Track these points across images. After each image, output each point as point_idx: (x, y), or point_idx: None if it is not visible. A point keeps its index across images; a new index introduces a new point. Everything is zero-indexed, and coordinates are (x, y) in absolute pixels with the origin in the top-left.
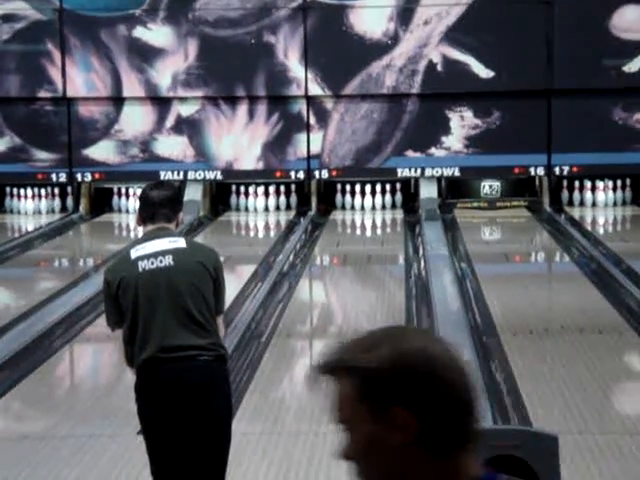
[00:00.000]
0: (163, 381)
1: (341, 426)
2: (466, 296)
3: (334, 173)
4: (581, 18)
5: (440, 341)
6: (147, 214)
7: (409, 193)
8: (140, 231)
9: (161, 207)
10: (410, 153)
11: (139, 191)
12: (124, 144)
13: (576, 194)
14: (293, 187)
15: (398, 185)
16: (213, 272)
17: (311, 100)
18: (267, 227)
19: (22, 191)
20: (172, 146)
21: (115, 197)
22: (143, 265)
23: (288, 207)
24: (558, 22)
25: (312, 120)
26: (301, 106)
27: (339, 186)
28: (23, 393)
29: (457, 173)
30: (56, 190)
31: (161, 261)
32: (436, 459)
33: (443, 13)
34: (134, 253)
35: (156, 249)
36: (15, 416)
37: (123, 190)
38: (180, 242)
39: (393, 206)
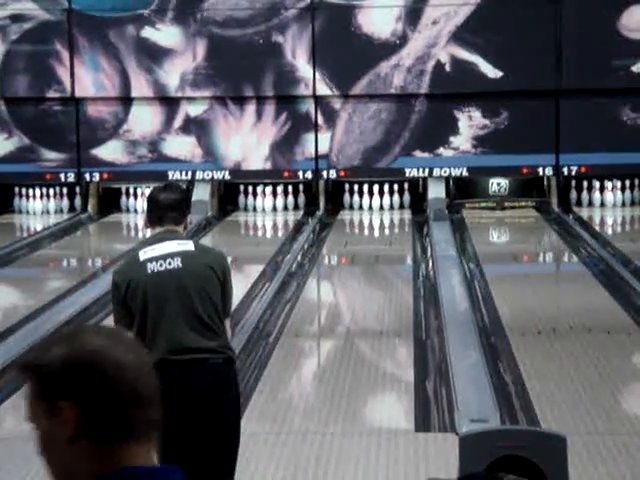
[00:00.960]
0: (172, 384)
1: (30, 423)
2: (474, 296)
3: (342, 173)
4: (590, 18)
5: (119, 340)
6: (155, 217)
7: (417, 193)
8: (148, 232)
9: (170, 210)
10: (418, 153)
11: (147, 191)
12: (132, 144)
13: (584, 194)
14: (301, 187)
15: (406, 185)
16: (221, 275)
17: (319, 100)
18: (275, 227)
19: (30, 191)
20: (180, 146)
21: (123, 197)
22: (152, 267)
23: (296, 207)
24: (566, 22)
25: (320, 120)
26: (309, 106)
27: (347, 186)
28: None
29: (465, 173)
30: (64, 190)
31: (170, 263)
32: (101, 451)
33: (451, 13)
34: (142, 255)
35: (165, 252)
36: (24, 415)
37: (131, 190)
38: (189, 245)
39: (401, 206)
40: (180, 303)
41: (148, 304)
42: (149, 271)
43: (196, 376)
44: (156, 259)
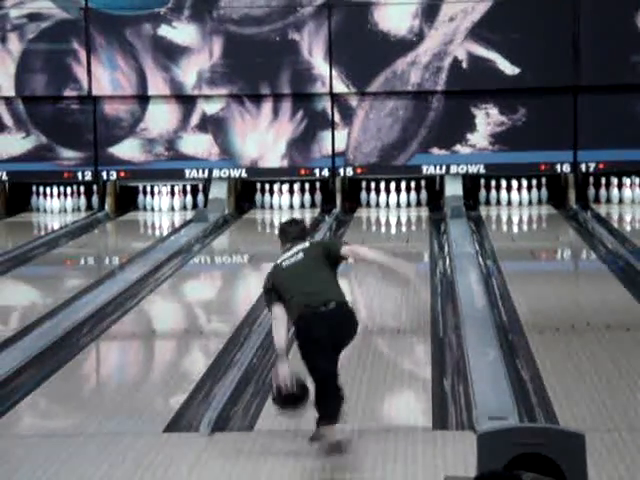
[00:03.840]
0: (325, 316)
1: None
2: (492, 294)
3: (359, 170)
4: (608, 14)
5: None
6: (287, 240)
7: (434, 190)
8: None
9: (296, 235)
10: (435, 150)
11: (164, 189)
12: (149, 142)
13: (602, 191)
14: (318, 185)
15: (423, 182)
16: (325, 251)
17: (336, 97)
18: None
19: (48, 189)
20: (197, 144)
21: (140, 195)
22: (286, 263)
23: (313, 205)
24: (584, 18)
25: (337, 117)
26: (326, 103)
27: (364, 183)
28: (50, 391)
29: (482, 170)
30: (82, 188)
31: (296, 258)
32: None
33: (468, 9)
34: (279, 260)
35: (292, 252)
36: (42, 414)
37: (148, 188)
38: (306, 244)
39: (418, 203)
40: (310, 277)
41: (290, 284)
42: (284, 266)
43: (337, 312)
44: (288, 258)
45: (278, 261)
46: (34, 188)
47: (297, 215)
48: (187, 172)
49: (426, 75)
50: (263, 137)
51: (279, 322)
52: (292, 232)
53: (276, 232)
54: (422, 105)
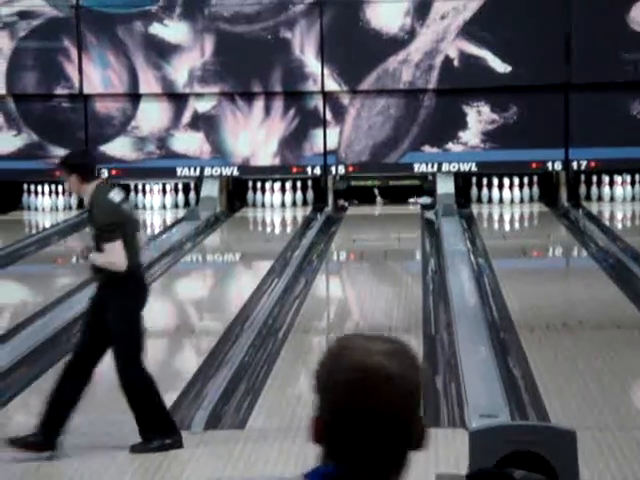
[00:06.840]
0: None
1: None
2: (483, 291)
3: (350, 169)
4: (599, 12)
5: None
6: (93, 174)
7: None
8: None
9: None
10: (427, 148)
11: (156, 187)
12: (141, 140)
13: (594, 189)
14: (310, 183)
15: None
16: None
17: (327, 95)
18: (284, 223)
19: (39, 188)
20: (188, 142)
21: (132, 193)
22: (126, 208)
23: (304, 203)
24: (576, 16)
25: (328, 116)
26: (317, 102)
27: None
28: (41, 389)
29: (474, 168)
30: None
31: (129, 205)
32: None
33: (460, 7)
34: (116, 198)
35: (123, 196)
36: (33, 412)
37: (140, 186)
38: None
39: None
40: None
41: (134, 232)
42: (126, 211)
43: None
44: (125, 202)
45: (116, 199)
46: (25, 186)
47: (289, 214)
48: (179, 170)
49: (418, 73)
50: (255, 135)
51: (121, 254)
52: (94, 165)
53: (268, 230)
54: (414, 103)
